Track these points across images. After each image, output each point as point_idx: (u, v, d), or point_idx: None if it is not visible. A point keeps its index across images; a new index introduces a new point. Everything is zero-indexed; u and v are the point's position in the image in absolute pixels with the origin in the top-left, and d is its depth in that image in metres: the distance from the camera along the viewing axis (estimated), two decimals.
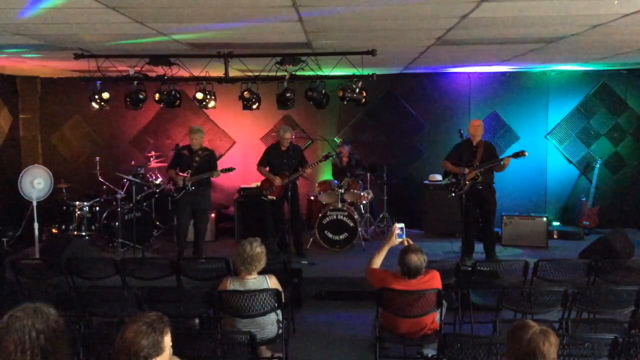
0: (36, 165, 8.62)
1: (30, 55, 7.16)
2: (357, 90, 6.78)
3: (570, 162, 10.13)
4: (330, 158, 8.69)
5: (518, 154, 7.44)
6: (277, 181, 8.16)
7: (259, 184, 9.44)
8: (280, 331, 4.90)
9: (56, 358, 2.42)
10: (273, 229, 8.56)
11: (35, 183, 8.07)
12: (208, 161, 8.09)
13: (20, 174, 8.11)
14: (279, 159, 8.28)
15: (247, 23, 5.05)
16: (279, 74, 6.79)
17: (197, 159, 7.96)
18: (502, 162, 7.55)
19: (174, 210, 8.95)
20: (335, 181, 9.26)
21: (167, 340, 2.84)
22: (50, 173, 8.32)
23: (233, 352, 4.20)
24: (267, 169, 8.38)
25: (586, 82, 10.02)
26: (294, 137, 8.64)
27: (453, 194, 7.80)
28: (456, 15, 4.72)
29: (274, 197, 8.25)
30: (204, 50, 6.52)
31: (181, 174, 7.94)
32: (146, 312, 2.89)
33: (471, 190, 7.62)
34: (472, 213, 7.80)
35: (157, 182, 9.30)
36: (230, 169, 8.01)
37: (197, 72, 7.13)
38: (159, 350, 2.79)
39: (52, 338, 2.40)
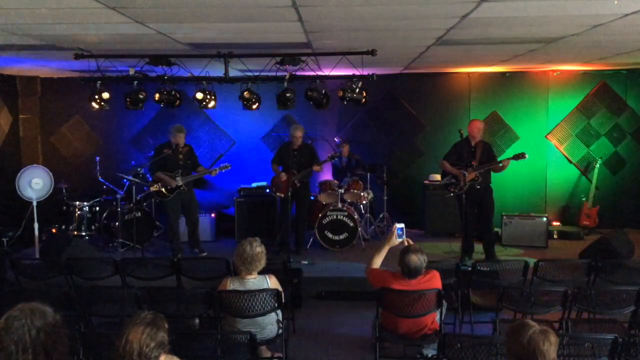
0: (35, 165, 8.60)
1: (30, 55, 7.16)
2: (357, 90, 6.78)
3: (571, 162, 10.13)
4: (337, 158, 8.75)
5: (518, 156, 7.44)
6: (282, 176, 8.21)
7: (259, 184, 9.47)
8: (280, 331, 4.90)
9: (58, 354, 2.43)
10: (278, 226, 8.58)
11: (33, 183, 8.06)
12: (191, 157, 8.25)
13: (17, 175, 8.10)
14: (288, 157, 8.31)
15: (247, 23, 5.05)
16: (279, 74, 6.79)
17: (180, 156, 8.08)
18: (502, 164, 7.55)
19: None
20: (339, 181, 9.24)
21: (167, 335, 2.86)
22: (50, 173, 8.31)
23: (233, 352, 4.20)
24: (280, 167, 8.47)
25: (586, 82, 10.02)
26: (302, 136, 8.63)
27: (452, 194, 7.80)
28: (456, 15, 4.72)
29: (282, 195, 8.28)
30: (204, 50, 6.52)
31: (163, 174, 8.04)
32: (140, 313, 2.90)
33: (469, 190, 7.62)
34: (470, 213, 7.80)
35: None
36: (225, 166, 8.14)
37: (197, 72, 7.14)
38: (165, 346, 2.81)
39: (52, 335, 2.41)
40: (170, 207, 8.12)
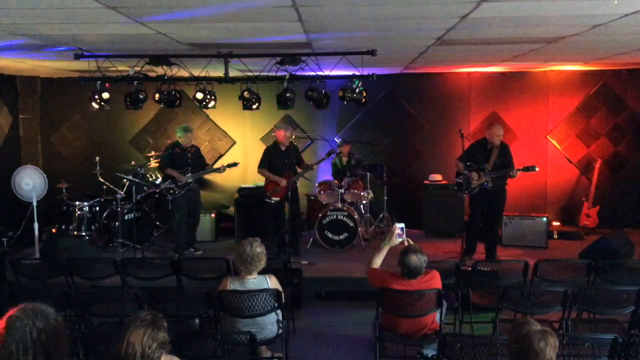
0: (28, 165, 8.58)
1: (30, 55, 7.16)
2: (357, 90, 6.78)
3: (570, 162, 10.13)
4: (334, 156, 8.74)
5: (528, 168, 7.40)
6: (283, 182, 8.15)
7: (259, 183, 9.44)
8: (280, 331, 4.90)
9: (58, 355, 2.43)
10: (273, 229, 8.56)
11: (23, 184, 8.06)
12: (199, 157, 8.52)
13: (12, 176, 8.13)
14: (280, 159, 8.27)
15: (247, 23, 5.05)
16: (279, 74, 6.79)
17: (189, 155, 8.31)
18: (512, 173, 7.51)
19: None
20: (339, 181, 9.22)
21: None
22: (42, 172, 8.30)
23: (233, 352, 4.21)
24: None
25: (586, 82, 10.02)
26: (293, 136, 8.67)
27: (462, 193, 7.80)
28: (456, 15, 4.72)
29: (279, 198, 8.24)
30: (204, 50, 6.52)
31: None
32: (139, 313, 2.89)
33: (480, 190, 7.61)
34: (478, 213, 7.80)
35: (157, 182, 9.31)
36: (234, 164, 8.35)
37: (197, 72, 7.13)
38: (166, 346, 2.80)
39: (53, 336, 2.41)
40: (179, 204, 8.24)
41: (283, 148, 8.29)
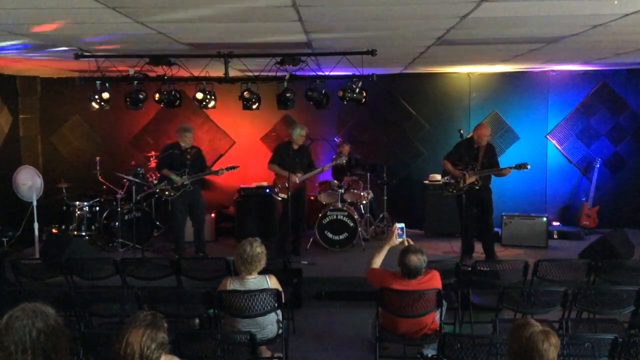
0: (25, 166, 8.58)
1: (30, 54, 7.16)
2: (357, 90, 6.78)
3: (570, 162, 10.13)
4: (342, 161, 8.77)
5: (520, 166, 7.41)
6: (294, 178, 8.03)
7: (259, 184, 9.44)
8: (280, 331, 4.91)
9: (57, 356, 2.43)
10: (278, 226, 8.55)
11: (20, 185, 8.07)
12: (199, 158, 8.25)
13: (13, 176, 8.14)
14: (290, 158, 8.23)
15: (247, 23, 5.05)
16: (279, 74, 6.79)
17: (188, 157, 8.07)
18: (504, 171, 7.54)
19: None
20: (339, 181, 9.21)
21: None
22: (38, 172, 8.30)
23: (233, 352, 4.21)
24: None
25: (586, 82, 10.01)
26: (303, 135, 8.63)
27: (450, 193, 7.85)
28: (456, 15, 4.72)
29: (285, 195, 8.19)
30: (204, 50, 6.52)
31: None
32: (139, 313, 2.89)
33: (468, 190, 7.63)
34: (469, 213, 7.81)
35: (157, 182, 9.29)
36: (233, 167, 8.14)
37: (197, 72, 7.13)
38: (165, 347, 2.80)
39: (52, 337, 2.41)
40: (177, 206, 8.08)
41: (295, 147, 8.25)
